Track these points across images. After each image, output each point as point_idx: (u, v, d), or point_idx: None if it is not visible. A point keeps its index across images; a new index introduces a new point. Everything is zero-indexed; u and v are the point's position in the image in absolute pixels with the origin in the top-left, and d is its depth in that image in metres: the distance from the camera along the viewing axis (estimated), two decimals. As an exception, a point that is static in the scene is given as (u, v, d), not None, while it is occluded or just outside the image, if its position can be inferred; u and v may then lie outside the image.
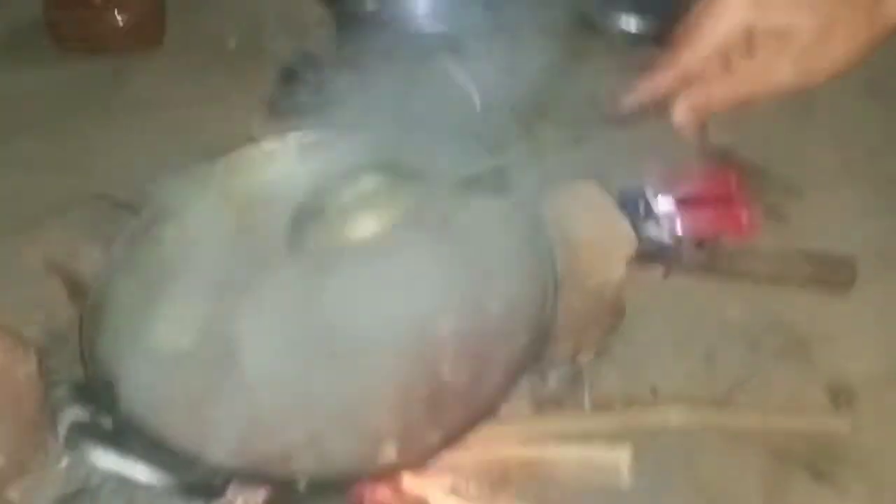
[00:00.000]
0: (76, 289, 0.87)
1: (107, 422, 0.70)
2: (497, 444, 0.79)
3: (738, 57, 0.66)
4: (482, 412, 0.72)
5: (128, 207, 0.93)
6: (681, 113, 0.65)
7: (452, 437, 0.71)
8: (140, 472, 0.66)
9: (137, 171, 0.99)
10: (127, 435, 0.69)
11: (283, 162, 0.94)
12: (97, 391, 0.72)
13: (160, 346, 0.81)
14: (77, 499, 0.76)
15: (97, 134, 1.19)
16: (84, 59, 1.31)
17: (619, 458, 0.77)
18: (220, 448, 0.70)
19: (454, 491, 0.76)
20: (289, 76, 1.11)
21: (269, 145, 0.95)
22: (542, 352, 0.74)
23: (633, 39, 1.28)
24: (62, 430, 0.74)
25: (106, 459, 0.67)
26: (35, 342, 0.83)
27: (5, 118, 1.22)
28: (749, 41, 0.65)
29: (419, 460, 0.73)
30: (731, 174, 1.07)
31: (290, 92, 1.08)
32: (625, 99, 0.69)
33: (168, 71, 1.28)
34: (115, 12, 1.27)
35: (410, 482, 0.75)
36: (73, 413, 0.74)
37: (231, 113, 1.12)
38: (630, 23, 1.29)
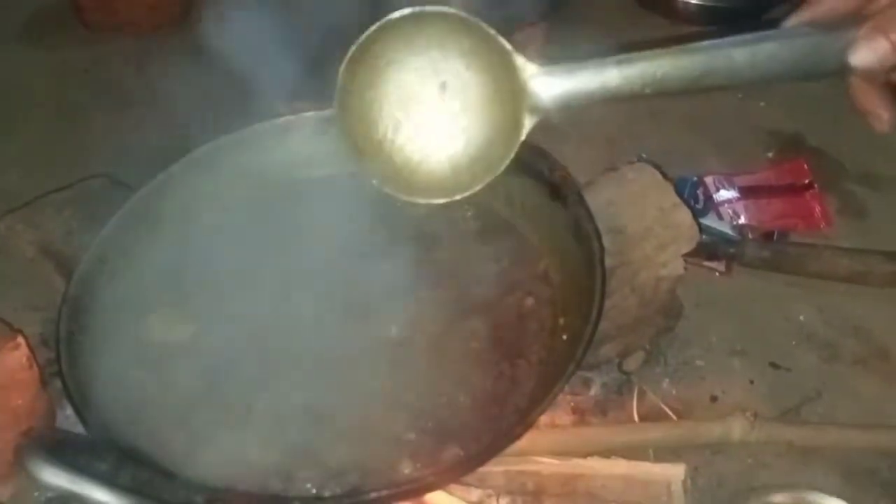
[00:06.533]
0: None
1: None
2: (532, 455, 0.72)
3: None
4: (512, 425, 0.64)
5: (127, 188, 0.87)
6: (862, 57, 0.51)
7: (476, 455, 0.64)
8: (96, 492, 0.58)
9: (147, 153, 0.93)
10: (97, 445, 0.62)
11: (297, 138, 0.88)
12: (69, 393, 0.66)
13: (152, 338, 0.74)
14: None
15: (112, 115, 1.15)
16: (108, 38, 1.31)
17: (672, 476, 0.71)
18: (211, 458, 0.63)
19: (481, 507, 0.70)
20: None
21: (284, 120, 0.88)
22: (584, 355, 0.66)
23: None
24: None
25: (57, 477, 0.59)
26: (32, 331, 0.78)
27: (22, 98, 1.21)
28: None
29: (437, 479, 0.64)
30: (802, 161, 1.00)
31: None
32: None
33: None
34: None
35: (431, 495, 0.68)
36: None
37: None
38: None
